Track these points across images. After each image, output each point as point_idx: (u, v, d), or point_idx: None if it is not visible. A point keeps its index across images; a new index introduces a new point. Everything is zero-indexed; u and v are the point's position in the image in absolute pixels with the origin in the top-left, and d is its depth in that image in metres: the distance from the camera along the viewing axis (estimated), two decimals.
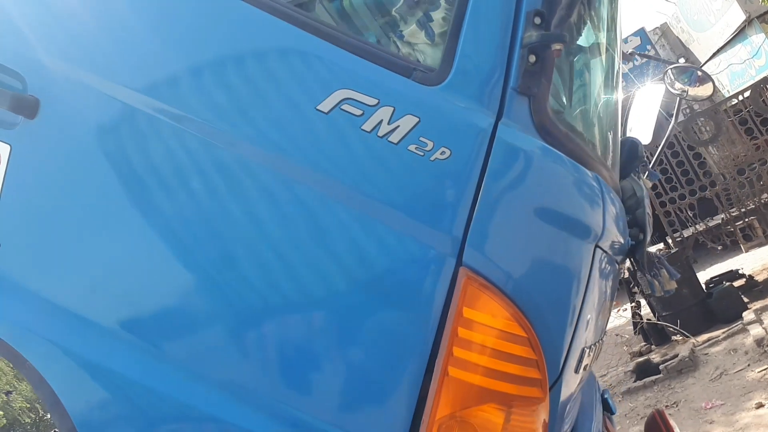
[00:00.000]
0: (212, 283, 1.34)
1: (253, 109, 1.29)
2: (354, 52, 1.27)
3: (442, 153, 1.23)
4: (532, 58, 1.25)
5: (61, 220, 1.42)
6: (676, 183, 10.51)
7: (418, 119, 1.23)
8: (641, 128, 3.27)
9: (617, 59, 2.04)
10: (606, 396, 2.79)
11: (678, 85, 3.42)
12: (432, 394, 1.26)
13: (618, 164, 2.05)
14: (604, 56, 1.91)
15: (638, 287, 9.41)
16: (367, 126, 1.23)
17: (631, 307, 9.98)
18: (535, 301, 1.30)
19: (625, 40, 16.60)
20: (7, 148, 1.42)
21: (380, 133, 1.22)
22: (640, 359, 8.41)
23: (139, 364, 1.37)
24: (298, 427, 1.31)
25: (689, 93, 3.45)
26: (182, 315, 1.37)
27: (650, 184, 2.44)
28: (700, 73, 3.57)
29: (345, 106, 1.23)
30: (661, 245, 10.30)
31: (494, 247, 1.27)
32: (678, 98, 3.42)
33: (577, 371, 1.51)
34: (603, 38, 1.90)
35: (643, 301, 9.68)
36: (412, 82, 1.25)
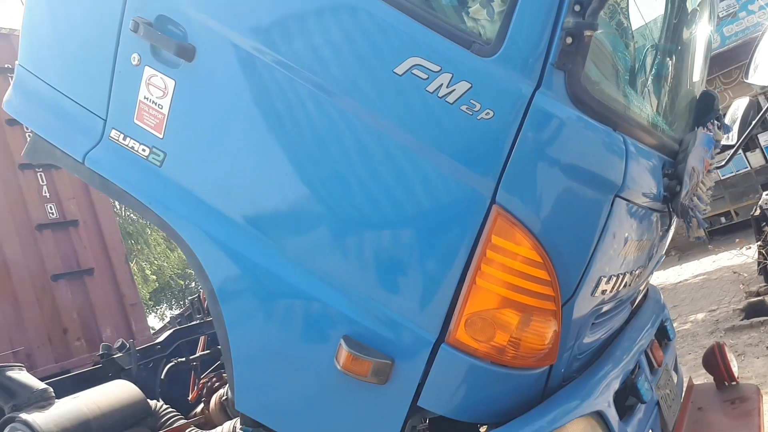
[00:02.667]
0: (319, 196, 1.79)
1: (347, 67, 1.67)
2: (426, 24, 1.60)
3: (487, 114, 1.55)
4: (569, 40, 1.51)
5: (211, 137, 1.92)
6: None
7: (470, 85, 1.55)
8: (765, 67, 3.21)
9: (698, 21, 2.15)
10: (666, 324, 3.03)
11: None
12: (463, 296, 1.66)
13: (682, 119, 2.21)
14: (669, 26, 2.04)
15: None
16: (431, 88, 1.57)
17: (758, 246, 9.50)
18: (552, 235, 1.63)
19: None
20: (173, 82, 1.92)
21: (440, 95, 1.57)
22: (754, 299, 8.18)
23: (260, 251, 1.88)
24: (369, 308, 1.77)
25: None
26: (295, 219, 1.85)
27: (722, 137, 2.53)
28: None
29: (415, 71, 1.58)
30: None
31: (522, 191, 1.61)
32: None
33: (593, 294, 1.83)
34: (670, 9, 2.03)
35: None
36: (470, 53, 1.57)
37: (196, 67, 1.87)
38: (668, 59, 2.24)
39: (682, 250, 14.28)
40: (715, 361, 3.15)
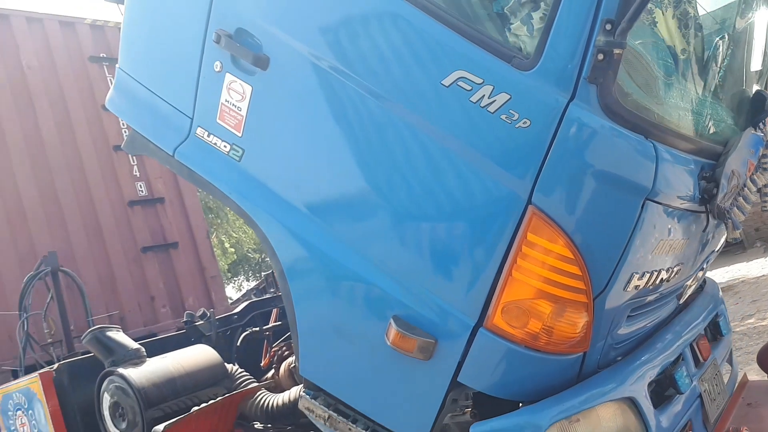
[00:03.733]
0: (377, 192, 2.00)
1: (401, 77, 1.87)
2: (471, 39, 1.76)
3: (524, 123, 1.71)
4: (601, 56, 1.64)
5: (282, 136, 2.17)
6: None
7: (510, 96, 1.72)
8: None
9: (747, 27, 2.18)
10: (719, 319, 3.07)
11: None
12: (500, 287, 1.84)
13: (731, 121, 2.25)
14: (722, 21, 2.09)
15: None
16: (474, 98, 1.75)
17: None
18: (584, 234, 1.78)
19: None
20: (250, 88, 2.18)
21: (482, 105, 1.74)
22: None
23: (324, 239, 2.12)
24: (416, 292, 1.97)
25: None
26: (352, 209, 2.07)
27: None
28: None
29: (460, 83, 1.76)
30: None
31: (556, 193, 1.76)
32: None
33: (625, 289, 1.96)
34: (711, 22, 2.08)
35: None
36: (510, 67, 1.72)
37: (271, 75, 2.12)
38: (714, 61, 2.29)
39: None
40: None
